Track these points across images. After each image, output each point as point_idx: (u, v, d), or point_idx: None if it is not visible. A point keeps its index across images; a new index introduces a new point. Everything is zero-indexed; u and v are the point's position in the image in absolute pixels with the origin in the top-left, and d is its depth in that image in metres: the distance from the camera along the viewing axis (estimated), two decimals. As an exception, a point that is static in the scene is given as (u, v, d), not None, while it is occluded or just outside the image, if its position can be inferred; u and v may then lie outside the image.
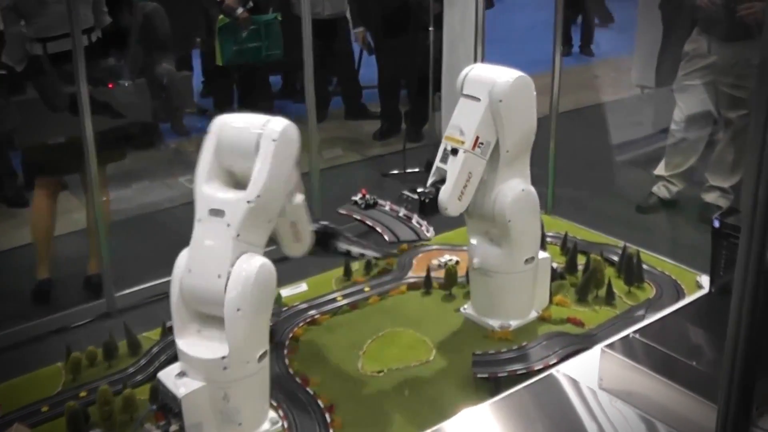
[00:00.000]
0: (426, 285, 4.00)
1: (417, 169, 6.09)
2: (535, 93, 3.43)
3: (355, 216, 3.42)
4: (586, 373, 2.48)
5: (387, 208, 3.46)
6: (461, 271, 4.00)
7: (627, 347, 2.41)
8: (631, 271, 3.95)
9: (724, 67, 4.95)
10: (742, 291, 1.46)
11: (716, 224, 2.64)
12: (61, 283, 4.57)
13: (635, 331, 2.47)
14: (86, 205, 4.47)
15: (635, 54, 7.74)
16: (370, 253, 3.41)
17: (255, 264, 2.71)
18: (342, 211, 3.43)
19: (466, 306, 3.80)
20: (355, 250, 3.51)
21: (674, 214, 5.31)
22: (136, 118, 4.95)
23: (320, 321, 3.74)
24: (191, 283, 2.78)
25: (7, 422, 3.01)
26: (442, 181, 3.34)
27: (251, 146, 2.73)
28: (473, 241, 3.63)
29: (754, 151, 1.36)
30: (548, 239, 4.45)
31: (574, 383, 2.44)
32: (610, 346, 2.42)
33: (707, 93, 5.07)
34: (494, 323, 3.64)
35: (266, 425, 2.95)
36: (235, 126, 2.84)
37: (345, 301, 3.89)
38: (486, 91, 3.34)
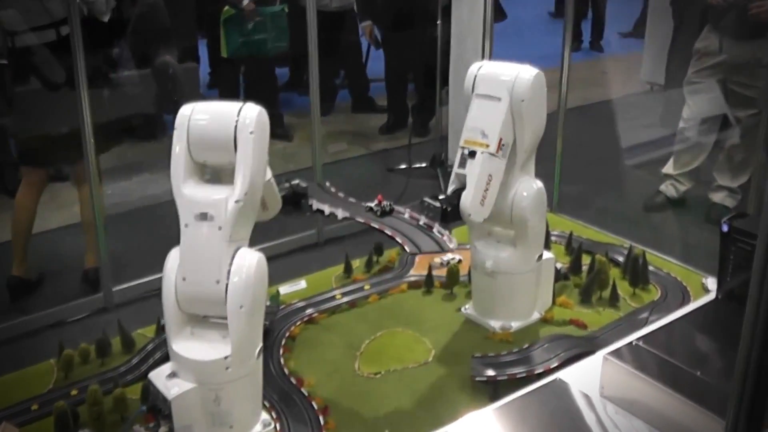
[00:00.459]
0: (427, 284, 3.93)
1: (423, 164, 6.02)
2: (546, 89, 3.35)
3: (372, 224, 3.29)
4: (587, 380, 2.40)
5: (406, 215, 3.31)
6: (463, 270, 3.93)
7: (630, 355, 2.33)
8: (637, 272, 3.88)
9: (734, 66, 4.87)
10: (758, 298, 1.38)
11: (725, 228, 2.56)
12: (60, 277, 4.52)
13: (638, 338, 2.38)
14: (79, 197, 4.40)
15: (645, 50, 7.66)
16: (341, 213, 3.27)
17: (253, 260, 2.64)
18: (359, 219, 3.30)
19: (467, 306, 3.72)
20: (327, 209, 3.38)
21: (681, 213, 5.24)
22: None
23: (318, 320, 3.67)
24: (188, 291, 2.70)
25: (-4, 420, 2.96)
26: (463, 188, 3.23)
27: (228, 141, 2.63)
28: (479, 244, 3.54)
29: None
30: (553, 238, 4.38)
31: (575, 391, 2.36)
32: (613, 353, 2.34)
33: (717, 91, 4.99)
34: (495, 324, 3.56)
35: (258, 427, 2.87)
36: (205, 119, 2.70)
37: (344, 300, 3.82)
38: (506, 90, 3.23)
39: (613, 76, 8.91)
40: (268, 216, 3.19)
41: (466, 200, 3.20)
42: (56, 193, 4.90)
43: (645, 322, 3.42)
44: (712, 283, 3.55)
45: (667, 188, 5.31)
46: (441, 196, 3.26)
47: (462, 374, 3.22)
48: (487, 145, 3.21)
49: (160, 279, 2.74)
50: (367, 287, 3.94)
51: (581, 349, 3.19)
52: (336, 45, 7.05)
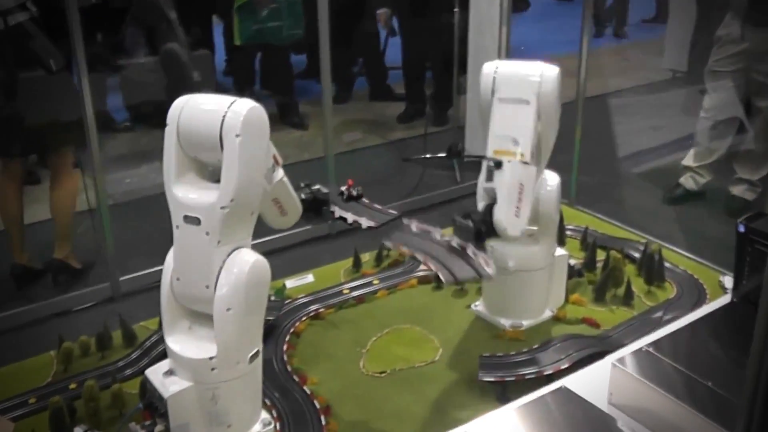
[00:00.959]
0: (437, 279, 3.83)
1: (441, 155, 5.91)
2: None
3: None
4: (595, 386, 2.32)
5: (437, 236, 2.97)
6: (474, 265, 3.83)
7: (639, 362, 2.24)
8: (652, 269, 3.78)
9: (757, 54, 4.73)
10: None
11: (741, 229, 2.46)
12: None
13: (648, 345, 2.30)
14: (49, 189, 4.31)
15: (667, 37, 7.54)
16: (365, 222, 3.12)
17: (247, 262, 2.53)
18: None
19: (477, 303, 3.63)
20: (350, 216, 3.23)
21: (701, 206, 5.11)
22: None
23: (324, 315, 3.60)
24: (182, 291, 2.63)
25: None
26: (493, 203, 3.02)
27: (215, 141, 2.45)
28: (496, 243, 3.30)
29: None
30: (568, 233, 4.29)
31: (582, 397, 2.27)
32: (621, 360, 2.25)
33: (739, 80, 4.86)
34: (506, 322, 3.47)
35: (257, 427, 2.80)
36: (194, 114, 2.51)
37: (351, 294, 3.75)
38: (533, 92, 3.05)
39: (635, 62, 8.79)
40: (288, 223, 3.06)
41: (500, 215, 2.99)
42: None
43: (659, 322, 3.33)
44: (729, 281, 3.44)
45: (687, 180, 5.19)
46: (473, 215, 3.01)
47: (469, 374, 3.13)
48: (522, 154, 3.01)
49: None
50: (375, 282, 3.86)
51: (592, 349, 3.10)
52: (353, 32, 6.97)
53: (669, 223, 4.85)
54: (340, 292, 3.77)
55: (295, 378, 3.13)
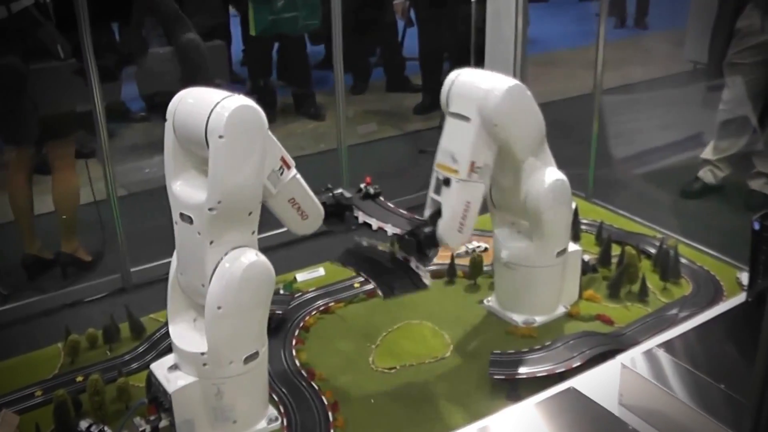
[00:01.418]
0: (449, 273, 3.80)
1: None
2: (530, 94, 3.03)
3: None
4: (605, 387, 2.27)
5: (384, 249, 3.07)
6: (487, 260, 3.78)
7: (649, 362, 2.19)
8: (668, 265, 3.71)
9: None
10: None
11: (756, 226, 2.40)
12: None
13: (660, 345, 2.25)
14: (52, 180, 4.29)
15: (688, 28, 7.44)
16: (390, 229, 3.06)
17: (242, 262, 2.46)
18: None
19: (489, 298, 3.58)
20: (375, 222, 3.16)
21: (719, 201, 5.04)
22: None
23: (333, 309, 3.56)
24: (185, 284, 2.62)
25: (-1, 406, 2.89)
26: (439, 212, 3.01)
27: (202, 140, 2.37)
28: (499, 233, 3.40)
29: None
30: (583, 227, 4.23)
31: (591, 399, 2.23)
32: (632, 360, 2.20)
33: (759, 73, 4.78)
34: (518, 318, 3.42)
35: (263, 423, 2.76)
36: (187, 110, 2.43)
37: (362, 289, 3.70)
38: (475, 109, 2.94)
39: (656, 53, 8.69)
40: (309, 228, 2.94)
41: (443, 230, 2.97)
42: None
43: (674, 319, 3.27)
44: (746, 278, 3.38)
45: (706, 174, 5.13)
46: (411, 227, 2.99)
47: (480, 371, 3.08)
48: (457, 171, 2.95)
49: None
50: (387, 276, 3.81)
51: (606, 347, 3.04)
52: (371, 23, 6.92)
53: (686, 218, 4.78)
54: (351, 287, 3.73)
55: (303, 373, 3.09)
